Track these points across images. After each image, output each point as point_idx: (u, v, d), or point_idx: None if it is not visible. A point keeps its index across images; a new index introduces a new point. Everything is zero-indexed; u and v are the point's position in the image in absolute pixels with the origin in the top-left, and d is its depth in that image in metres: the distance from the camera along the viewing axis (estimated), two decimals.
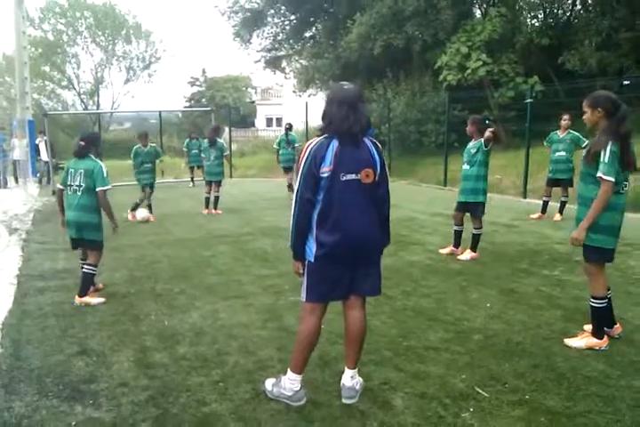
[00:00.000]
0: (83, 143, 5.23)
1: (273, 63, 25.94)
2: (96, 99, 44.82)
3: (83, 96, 44.24)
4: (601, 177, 3.65)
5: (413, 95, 18.07)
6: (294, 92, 25.14)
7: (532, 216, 9.41)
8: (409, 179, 16.36)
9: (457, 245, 6.77)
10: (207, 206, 10.74)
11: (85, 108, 42.79)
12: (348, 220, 3.03)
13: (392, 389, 3.33)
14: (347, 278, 3.13)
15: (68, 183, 5.23)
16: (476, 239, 6.57)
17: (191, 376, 3.54)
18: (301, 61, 24.24)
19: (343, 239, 3.03)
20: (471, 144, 6.60)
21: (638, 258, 6.39)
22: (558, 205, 9.25)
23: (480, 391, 3.27)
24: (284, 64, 26.12)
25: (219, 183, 10.74)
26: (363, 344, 3.26)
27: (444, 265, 6.27)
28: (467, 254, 6.55)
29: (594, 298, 3.90)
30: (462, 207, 6.64)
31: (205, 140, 11.00)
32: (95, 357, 3.87)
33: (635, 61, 14.87)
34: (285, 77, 27.30)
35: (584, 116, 3.91)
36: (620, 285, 5.31)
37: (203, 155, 11.22)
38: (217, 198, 10.69)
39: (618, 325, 4.07)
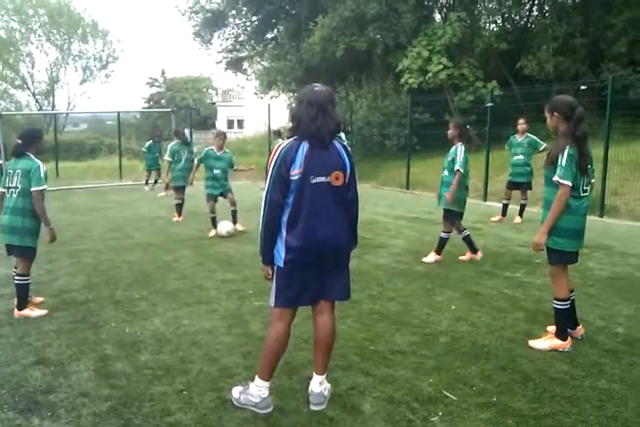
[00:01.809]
0: (20, 141, 4.82)
1: (234, 64, 25.75)
2: (51, 99, 43.72)
3: (37, 96, 43.09)
4: (558, 180, 3.71)
5: (375, 98, 18.18)
6: (256, 93, 25.04)
7: (493, 219, 9.55)
8: (371, 182, 16.43)
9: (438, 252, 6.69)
10: (179, 213, 9.92)
11: (40, 109, 41.71)
12: (317, 223, 3.00)
13: (360, 394, 3.30)
14: (316, 283, 3.09)
15: (6, 185, 4.79)
16: (441, 243, 6.60)
17: (154, 385, 3.44)
18: (263, 63, 24.15)
19: (313, 243, 3.00)
20: (452, 150, 6.55)
21: (597, 260, 6.53)
22: (518, 207, 9.41)
23: (448, 395, 3.27)
24: (245, 65, 25.96)
25: (183, 189, 10.10)
26: (332, 350, 3.23)
27: (410, 268, 6.29)
28: (431, 257, 6.57)
29: (557, 300, 3.95)
30: (444, 214, 6.63)
31: (173, 144, 10.32)
32: (53, 366, 3.72)
33: (590, 67, 15.29)
34: (247, 79, 27.18)
35: (547, 122, 3.96)
36: (579, 286, 5.41)
37: (169, 158, 10.20)
38: (179, 206, 10.04)
39: (580, 326, 4.14)
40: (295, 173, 2.95)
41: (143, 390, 3.38)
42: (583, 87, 12.79)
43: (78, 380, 3.52)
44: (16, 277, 4.81)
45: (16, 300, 4.81)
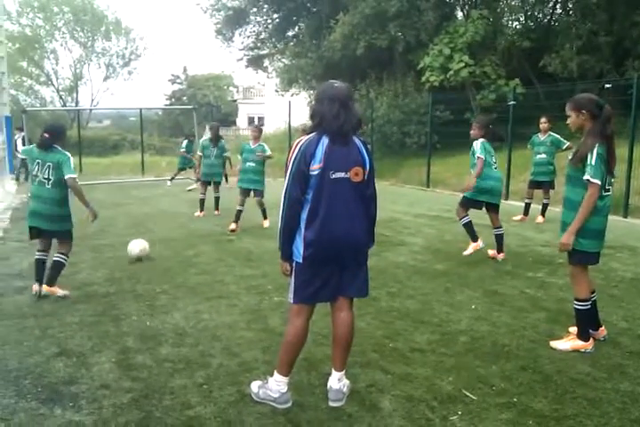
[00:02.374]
0: (47, 135, 5.11)
1: (255, 62, 25.82)
2: (75, 95, 44.26)
3: (61, 93, 43.65)
4: (588, 180, 3.65)
5: (396, 96, 18.11)
6: (276, 91, 25.07)
7: (515, 218, 9.46)
8: (391, 179, 16.39)
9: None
10: (202, 209, 9.99)
11: (64, 105, 42.21)
12: (336, 219, 3.00)
13: (379, 391, 3.30)
14: (334, 279, 3.09)
15: (34, 173, 5.13)
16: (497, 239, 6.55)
17: (174, 378, 3.47)
18: (284, 60, 24.18)
19: (332, 239, 3.00)
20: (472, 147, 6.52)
21: (621, 261, 6.44)
22: (540, 207, 9.31)
23: (468, 394, 3.25)
24: (266, 63, 26.02)
25: (219, 183, 10.28)
26: (350, 346, 3.23)
27: (429, 266, 6.26)
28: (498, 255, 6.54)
29: (577, 300, 3.90)
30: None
31: (204, 140, 10.47)
32: (75, 358, 3.77)
33: (614, 65, 15.07)
34: (268, 77, 27.20)
35: (568, 120, 3.90)
36: (603, 287, 5.34)
37: (200, 153, 10.30)
38: (218, 199, 10.18)
39: (602, 327, 4.08)
40: (315, 167, 2.95)
41: (164, 382, 3.41)
42: (607, 86, 12.59)
43: (100, 372, 3.56)
44: (57, 255, 5.20)
45: (48, 276, 5.14)
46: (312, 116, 3.10)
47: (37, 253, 5.29)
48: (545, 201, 9.29)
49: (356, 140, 3.07)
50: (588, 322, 3.94)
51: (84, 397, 3.24)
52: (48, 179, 5.07)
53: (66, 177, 5.05)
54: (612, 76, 14.37)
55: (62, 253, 5.23)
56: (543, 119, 9.16)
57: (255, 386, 3.23)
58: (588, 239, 3.76)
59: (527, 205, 9.47)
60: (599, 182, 3.63)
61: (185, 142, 15.70)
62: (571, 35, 15.64)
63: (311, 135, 3.04)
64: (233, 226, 8.52)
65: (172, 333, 4.24)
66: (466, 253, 6.66)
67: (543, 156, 9.11)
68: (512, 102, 12.72)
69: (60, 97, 43.62)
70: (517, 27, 19.12)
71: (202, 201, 10.04)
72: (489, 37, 16.53)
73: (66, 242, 5.28)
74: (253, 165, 8.77)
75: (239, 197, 8.76)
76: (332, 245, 3.01)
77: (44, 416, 3.02)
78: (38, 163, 5.10)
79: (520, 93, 14.61)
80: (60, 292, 5.12)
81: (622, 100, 11.45)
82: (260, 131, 9.30)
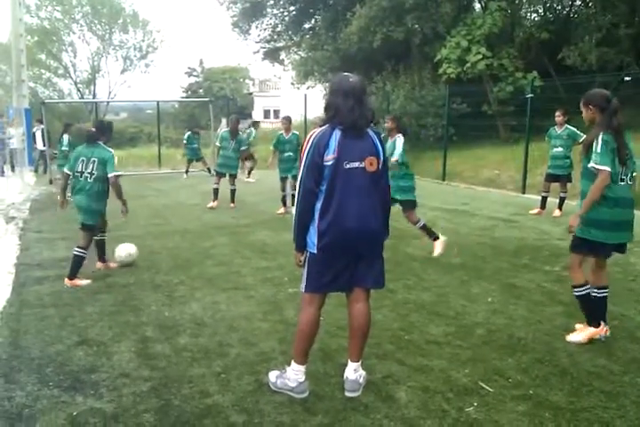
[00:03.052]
0: (94, 129, 5.54)
1: (271, 55, 25.80)
2: (92, 88, 44.48)
3: (79, 85, 43.88)
4: (594, 166, 3.66)
5: (412, 88, 18.01)
6: (292, 84, 25.03)
7: (532, 212, 9.40)
8: None
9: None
10: (215, 199, 10.06)
11: (82, 98, 42.50)
12: (351, 209, 3.02)
13: (395, 382, 3.32)
14: (348, 270, 3.11)
15: (78, 170, 5.41)
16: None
17: (193, 368, 3.52)
18: (300, 53, 24.12)
19: (346, 229, 3.02)
20: (389, 143, 6.53)
21: (639, 255, 6.38)
22: (557, 200, 9.24)
23: (484, 386, 3.26)
24: (282, 56, 25.98)
25: (234, 176, 10.37)
26: (367, 337, 3.26)
27: (445, 259, 6.26)
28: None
29: (573, 287, 3.94)
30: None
31: (224, 131, 10.72)
32: (95, 347, 3.84)
33: (635, 58, 14.84)
34: (284, 69, 27.17)
35: (583, 115, 3.96)
36: (621, 281, 5.32)
37: (218, 144, 10.46)
38: (234, 191, 10.27)
39: (606, 327, 3.95)
40: (329, 158, 2.98)
41: (182, 372, 3.46)
42: (627, 78, 12.44)
43: (120, 360, 3.63)
44: (75, 249, 5.40)
45: (70, 269, 5.35)
46: (326, 109, 3.12)
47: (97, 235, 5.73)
48: (562, 195, 9.20)
49: (370, 132, 3.09)
50: (591, 308, 3.92)
51: (104, 385, 3.30)
52: (91, 173, 5.36)
53: (109, 175, 5.35)
54: (632, 68, 14.17)
55: (80, 248, 5.39)
56: (558, 113, 9.07)
57: (273, 376, 3.27)
58: (598, 229, 3.73)
59: (544, 199, 9.39)
60: (607, 169, 3.63)
61: (187, 134, 15.85)
62: (590, 27, 15.42)
63: (324, 127, 3.06)
64: (282, 210, 9.36)
65: (191, 323, 4.30)
66: (435, 254, 6.42)
67: (560, 149, 9.01)
68: (529, 95, 12.60)
69: (78, 89, 43.87)
70: (536, 19, 18.89)
71: (215, 191, 10.11)
72: (507, 29, 16.35)
73: (87, 235, 5.47)
74: (290, 154, 9.39)
75: (281, 184, 9.59)
76: (346, 235, 3.03)
77: (66, 404, 3.09)
78: (83, 160, 5.38)
79: (538, 86, 14.44)
80: (82, 283, 5.31)
81: None
82: (290, 121, 9.70)
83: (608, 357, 3.65)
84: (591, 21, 15.52)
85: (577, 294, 3.92)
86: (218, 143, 10.52)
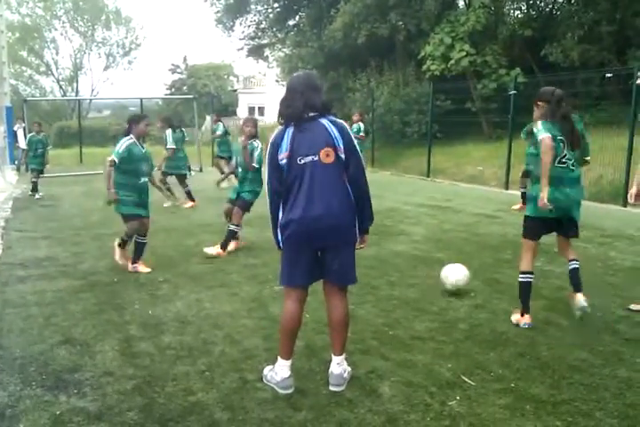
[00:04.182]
0: (127, 125, 5.77)
1: (256, 51, 25.77)
2: (75, 85, 44.14)
3: (61, 82, 43.54)
4: (538, 138, 3.93)
5: (397, 85, 18.08)
6: (277, 81, 25.04)
7: (514, 207, 9.48)
8: (392, 169, 16.40)
9: None
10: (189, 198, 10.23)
11: (64, 95, 42.12)
12: (308, 201, 3.03)
13: (379, 377, 3.34)
14: (316, 262, 3.15)
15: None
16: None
17: (177, 366, 3.52)
18: (284, 50, 24.12)
19: (304, 220, 3.04)
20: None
21: (619, 250, 6.48)
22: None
23: (466, 380, 3.29)
24: (266, 53, 25.96)
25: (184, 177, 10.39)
26: (346, 331, 3.27)
27: (429, 255, 6.30)
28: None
29: (520, 271, 4.21)
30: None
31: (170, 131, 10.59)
32: (79, 346, 3.82)
33: (616, 55, 15.00)
34: (268, 66, 27.18)
35: (534, 115, 4.26)
36: (601, 276, 5.40)
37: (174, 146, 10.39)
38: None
39: (527, 315, 4.16)
40: (282, 156, 3.06)
41: (166, 370, 3.46)
42: (609, 75, 12.57)
43: (103, 359, 3.61)
44: (137, 238, 5.78)
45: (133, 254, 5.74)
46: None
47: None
48: None
49: (324, 121, 3.09)
50: (522, 295, 4.17)
51: (88, 384, 3.29)
52: None
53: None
54: (614, 65, 14.31)
55: (125, 235, 5.73)
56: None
57: (267, 369, 3.31)
58: (533, 205, 4.08)
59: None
60: (547, 134, 3.88)
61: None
62: (572, 24, 15.55)
63: (280, 127, 3.15)
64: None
65: (175, 321, 4.29)
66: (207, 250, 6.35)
67: None
68: (513, 92, 12.69)
69: (60, 87, 43.51)
70: (519, 16, 19.03)
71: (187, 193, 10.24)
72: (490, 26, 16.45)
73: (126, 224, 5.69)
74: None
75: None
76: (305, 227, 3.05)
77: (49, 403, 3.07)
78: None
79: (521, 83, 14.55)
80: (144, 270, 5.64)
81: (624, 89, 11.43)
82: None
83: (589, 350, 3.70)
84: (573, 18, 15.65)
85: (519, 279, 4.21)
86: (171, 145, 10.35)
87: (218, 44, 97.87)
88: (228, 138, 12.83)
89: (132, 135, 5.65)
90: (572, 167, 4.06)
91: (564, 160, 4.02)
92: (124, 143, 5.55)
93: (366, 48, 18.94)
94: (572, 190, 4.07)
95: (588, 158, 4.35)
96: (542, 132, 3.94)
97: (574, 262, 4.29)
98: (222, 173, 12.21)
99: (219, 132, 12.85)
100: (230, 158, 10.78)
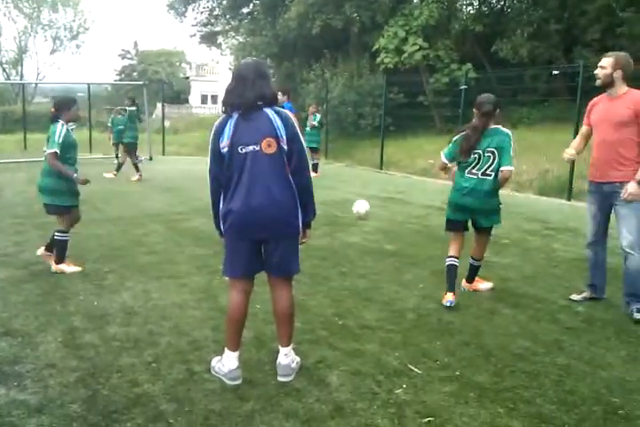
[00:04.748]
0: (52, 109, 5.26)
1: (208, 38, 25.35)
2: (19, 69, 42.53)
3: (5, 65, 41.85)
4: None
5: (351, 77, 18.11)
6: (230, 69, 24.70)
7: None
8: (345, 161, 16.46)
9: None
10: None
11: (8, 79, 40.52)
12: (248, 192, 3.00)
13: (327, 367, 3.36)
14: (257, 253, 3.13)
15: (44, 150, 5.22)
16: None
17: (122, 357, 3.45)
18: (238, 38, 23.82)
19: (242, 210, 3.01)
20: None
21: (563, 242, 6.68)
22: None
23: (413, 368, 3.34)
24: (220, 40, 25.57)
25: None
26: (292, 322, 3.27)
27: (380, 246, 6.36)
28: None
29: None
30: None
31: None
32: (20, 337, 3.70)
33: (563, 52, 15.43)
34: (221, 54, 26.88)
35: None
36: (544, 267, 5.56)
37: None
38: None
39: (452, 293, 4.42)
40: (224, 144, 3.02)
41: (111, 361, 3.39)
42: (556, 72, 12.91)
43: (46, 351, 3.51)
44: (56, 233, 5.19)
45: (55, 254, 5.20)
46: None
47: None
48: None
49: (268, 112, 3.04)
50: (451, 277, 4.48)
51: (28, 376, 3.19)
52: (44, 151, 5.12)
53: (45, 152, 5.07)
54: (561, 62, 14.72)
55: (59, 231, 5.19)
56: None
57: (215, 360, 3.27)
58: (447, 209, 4.67)
59: None
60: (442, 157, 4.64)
61: (111, 117, 15.67)
62: (522, 21, 15.92)
63: (223, 115, 3.10)
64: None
65: (121, 312, 4.20)
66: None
67: None
68: (464, 87, 12.90)
69: (4, 70, 41.85)
70: (471, 11, 19.33)
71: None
72: (443, 21, 16.66)
73: (61, 217, 5.23)
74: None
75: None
76: (245, 218, 3.02)
77: None
78: (48, 137, 5.12)
79: (472, 78, 14.82)
80: (68, 270, 5.17)
81: (570, 86, 11.76)
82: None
83: (531, 339, 3.81)
84: (523, 16, 16.01)
85: (447, 263, 4.54)
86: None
87: (170, 30, 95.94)
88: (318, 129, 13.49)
89: (61, 121, 5.17)
90: (480, 177, 4.41)
91: (473, 171, 4.43)
92: (61, 132, 5.06)
93: (321, 39, 18.90)
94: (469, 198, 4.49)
95: (505, 168, 4.35)
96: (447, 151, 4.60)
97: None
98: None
99: (314, 122, 13.37)
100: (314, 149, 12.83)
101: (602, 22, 14.31)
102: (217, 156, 3.06)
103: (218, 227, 3.20)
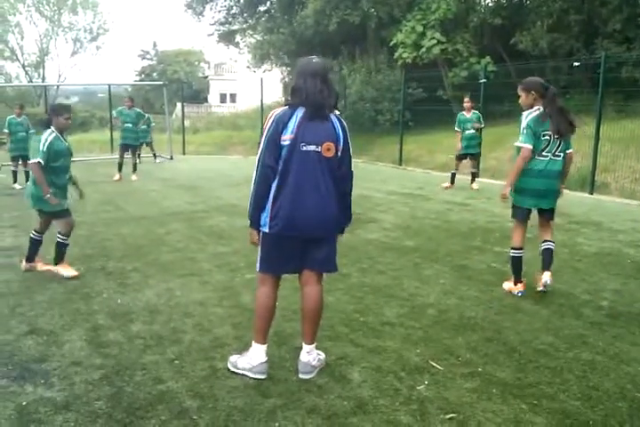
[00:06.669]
0: (47, 116, 5.20)
1: (226, 37, 25.41)
2: (41, 71, 43.10)
3: (27, 68, 42.46)
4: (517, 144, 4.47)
5: (369, 73, 18.04)
6: (249, 67, 24.76)
7: (443, 185, 10.72)
8: (364, 157, 16.40)
9: None
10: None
11: (30, 81, 41.10)
12: (304, 193, 3.02)
13: (349, 363, 3.37)
14: (300, 253, 3.13)
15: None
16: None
17: (146, 355, 3.49)
18: (256, 36, 23.84)
19: (297, 213, 3.02)
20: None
21: (586, 236, 6.60)
22: (470, 177, 10.71)
23: (434, 365, 3.33)
24: (237, 39, 25.62)
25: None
26: (319, 320, 3.28)
27: (399, 243, 6.34)
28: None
29: (511, 248, 4.63)
30: None
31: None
32: (45, 336, 3.76)
33: (583, 44, 15.18)
34: (239, 52, 26.87)
35: (520, 100, 4.53)
36: (567, 261, 5.49)
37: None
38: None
39: (522, 283, 4.59)
40: (286, 138, 2.98)
41: (135, 359, 3.43)
42: (576, 64, 12.73)
43: (71, 349, 3.57)
44: (57, 235, 5.18)
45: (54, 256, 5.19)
46: (293, 92, 3.09)
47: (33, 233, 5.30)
48: (473, 170, 10.65)
49: (333, 117, 3.08)
50: (515, 269, 4.58)
51: (55, 374, 3.24)
52: None
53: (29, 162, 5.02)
54: (582, 54, 14.49)
55: (60, 234, 5.17)
56: (466, 99, 10.58)
57: (234, 357, 3.30)
58: (519, 196, 4.54)
59: (453, 175, 10.67)
60: (527, 146, 4.34)
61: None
62: (542, 12, 15.68)
63: (285, 107, 3.06)
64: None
65: (144, 310, 4.25)
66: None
67: (471, 131, 10.35)
68: (483, 80, 12.79)
69: (26, 73, 42.44)
70: (489, 4, 19.09)
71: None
72: (461, 14, 16.50)
73: (57, 221, 5.18)
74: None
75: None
76: (297, 221, 3.03)
77: (15, 394, 3.02)
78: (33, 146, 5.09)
79: (491, 71, 14.68)
80: (65, 273, 5.08)
81: (591, 77, 11.58)
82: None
83: (554, 334, 3.78)
84: (542, 7, 15.76)
85: (511, 254, 4.62)
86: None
87: (188, 30, 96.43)
88: None
89: (52, 128, 5.06)
90: (553, 158, 4.41)
91: (545, 153, 4.39)
92: (46, 140, 4.92)
93: (338, 35, 18.84)
94: (550, 181, 4.45)
95: (570, 151, 4.56)
96: (524, 137, 4.36)
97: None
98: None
99: None
100: None
101: (623, 12, 14.04)
102: (275, 146, 3.00)
103: (256, 220, 3.11)
